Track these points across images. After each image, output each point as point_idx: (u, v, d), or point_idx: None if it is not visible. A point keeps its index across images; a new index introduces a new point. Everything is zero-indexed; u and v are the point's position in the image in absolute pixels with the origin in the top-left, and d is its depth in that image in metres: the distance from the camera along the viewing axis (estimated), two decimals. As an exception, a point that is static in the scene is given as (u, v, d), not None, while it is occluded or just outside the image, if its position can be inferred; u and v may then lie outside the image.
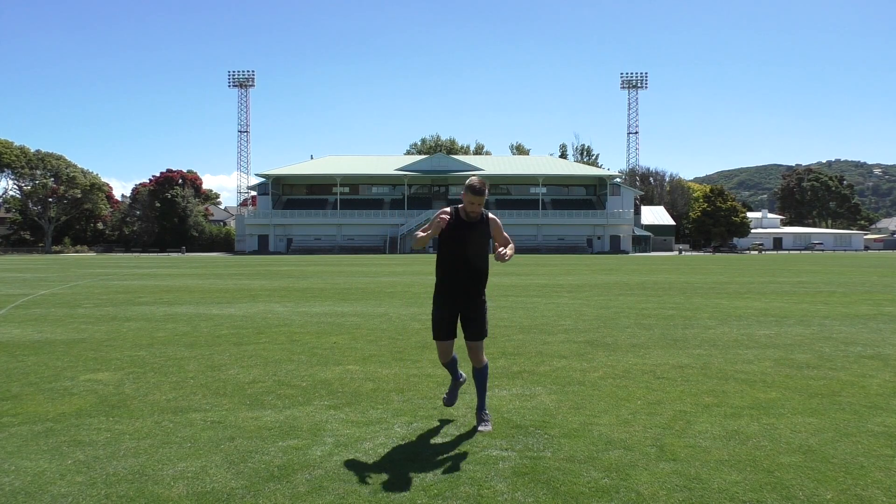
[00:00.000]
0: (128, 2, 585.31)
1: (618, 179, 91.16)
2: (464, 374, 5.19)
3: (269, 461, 4.07)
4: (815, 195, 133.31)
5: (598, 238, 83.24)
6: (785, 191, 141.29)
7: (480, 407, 4.86)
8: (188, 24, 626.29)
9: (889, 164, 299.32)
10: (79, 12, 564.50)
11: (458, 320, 4.79)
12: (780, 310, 12.76)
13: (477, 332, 4.72)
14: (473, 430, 4.69)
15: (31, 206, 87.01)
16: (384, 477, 3.82)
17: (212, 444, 4.39)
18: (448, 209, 4.64)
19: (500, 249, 4.62)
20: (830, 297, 15.48)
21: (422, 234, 4.48)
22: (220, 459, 4.11)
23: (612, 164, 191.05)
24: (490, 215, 4.75)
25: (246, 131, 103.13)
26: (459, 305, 4.71)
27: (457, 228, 4.60)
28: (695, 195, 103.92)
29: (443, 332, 4.73)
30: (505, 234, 4.82)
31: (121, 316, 11.88)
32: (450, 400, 5.05)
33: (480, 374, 4.84)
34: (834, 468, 3.96)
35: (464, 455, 4.19)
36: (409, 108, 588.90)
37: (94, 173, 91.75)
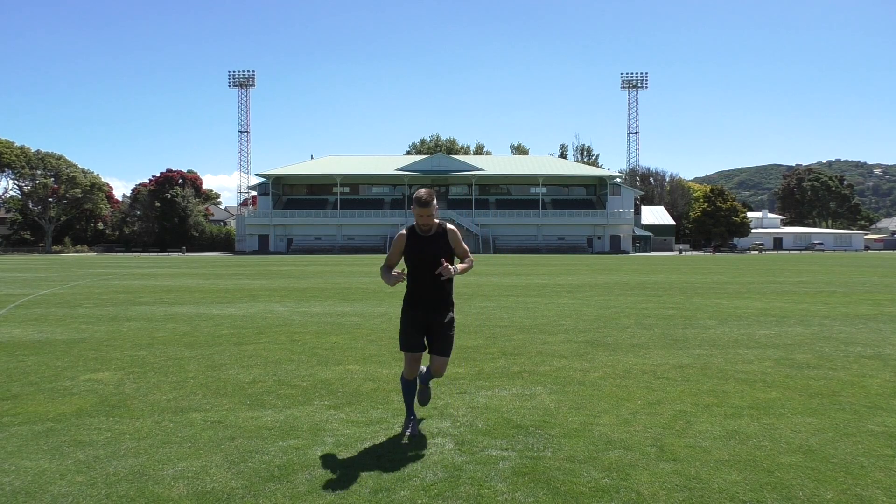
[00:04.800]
0: (128, 2, 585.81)
1: (618, 179, 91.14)
2: (416, 416, 4.84)
3: (269, 461, 4.07)
4: (816, 195, 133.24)
5: (599, 238, 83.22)
6: (785, 191, 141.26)
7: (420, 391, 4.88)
8: (188, 24, 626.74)
9: (889, 164, 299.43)
10: (79, 12, 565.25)
11: (427, 335, 4.66)
12: (781, 310, 12.77)
13: (443, 347, 4.62)
14: (474, 431, 4.69)
15: (31, 206, 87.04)
16: (384, 477, 3.82)
17: (212, 444, 4.40)
18: (403, 230, 4.65)
19: (445, 264, 4.41)
20: (830, 297, 15.49)
21: (391, 275, 4.44)
22: (220, 459, 4.11)
23: (612, 164, 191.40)
24: (448, 226, 4.67)
25: (246, 131, 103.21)
26: (429, 317, 4.60)
27: (415, 244, 4.55)
28: (695, 195, 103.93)
29: (411, 342, 4.58)
30: (465, 245, 4.73)
31: (121, 316, 11.88)
32: (413, 429, 4.68)
33: (429, 378, 4.82)
34: (834, 468, 3.96)
35: (464, 455, 4.19)
36: (409, 108, 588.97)
37: (95, 173, 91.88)
